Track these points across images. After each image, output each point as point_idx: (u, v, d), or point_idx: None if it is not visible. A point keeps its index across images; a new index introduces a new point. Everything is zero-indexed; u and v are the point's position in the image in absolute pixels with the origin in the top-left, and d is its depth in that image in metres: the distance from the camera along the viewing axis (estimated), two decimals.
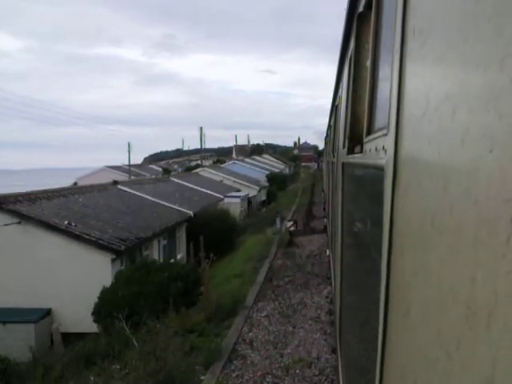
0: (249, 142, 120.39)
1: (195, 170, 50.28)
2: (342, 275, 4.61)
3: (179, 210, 25.37)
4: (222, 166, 64.72)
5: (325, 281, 13.73)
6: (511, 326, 0.56)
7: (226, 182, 45.85)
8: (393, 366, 1.38)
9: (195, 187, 34.77)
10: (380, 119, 2.05)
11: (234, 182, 47.31)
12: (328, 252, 14.17)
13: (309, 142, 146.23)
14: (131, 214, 21.82)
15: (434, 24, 1.01)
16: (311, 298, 12.57)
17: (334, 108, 9.16)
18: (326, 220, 20.03)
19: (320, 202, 34.97)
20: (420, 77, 1.15)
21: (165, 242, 22.08)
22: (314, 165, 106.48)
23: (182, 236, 24.72)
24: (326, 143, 21.38)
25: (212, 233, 23.27)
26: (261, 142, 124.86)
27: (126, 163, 74.83)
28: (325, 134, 23.07)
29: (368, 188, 2.51)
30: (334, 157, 8.23)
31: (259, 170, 66.61)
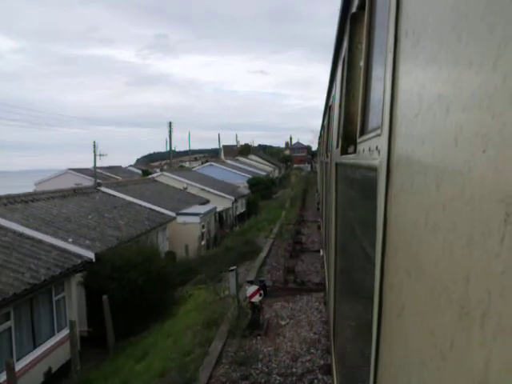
0: (238, 142, 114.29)
1: (153, 175, 38.97)
2: (336, 275, 4.61)
3: (68, 251, 14.63)
4: (194, 169, 53.97)
5: None
6: (505, 326, 0.56)
7: (191, 190, 35.32)
8: (387, 367, 1.38)
9: (134, 201, 24.54)
10: (373, 119, 2.05)
11: (202, 190, 36.24)
12: (322, 252, 14.14)
13: (302, 142, 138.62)
14: None
15: (427, 24, 1.01)
16: None
17: (328, 108, 9.18)
18: (320, 220, 19.61)
19: (315, 221, 25.76)
20: (413, 77, 1.15)
21: (7, 324, 11.56)
22: (306, 166, 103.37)
23: (70, 297, 14.13)
24: (319, 143, 21.31)
25: (126, 288, 14.32)
26: (250, 142, 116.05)
27: (123, 164, 71.37)
28: (318, 134, 22.79)
29: (361, 188, 2.51)
30: (327, 157, 8.25)
31: (241, 173, 55.68)
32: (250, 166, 68.52)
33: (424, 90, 1.01)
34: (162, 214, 24.56)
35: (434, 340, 0.84)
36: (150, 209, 24.41)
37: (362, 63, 2.59)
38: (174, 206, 26.86)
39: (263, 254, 18.85)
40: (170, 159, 73.06)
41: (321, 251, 15.31)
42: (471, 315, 0.66)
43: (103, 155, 55.74)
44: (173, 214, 25.25)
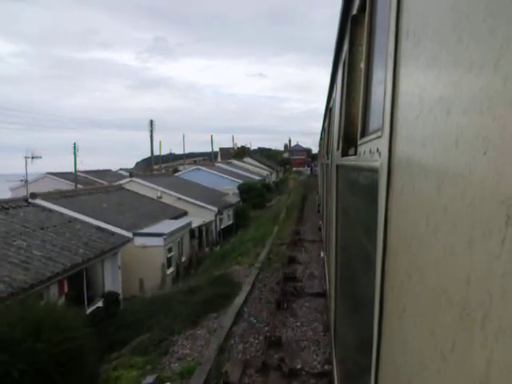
0: (235, 144, 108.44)
1: (121, 181, 31.38)
2: (337, 276, 4.60)
3: None
4: (178, 173, 48.00)
5: None
6: (506, 328, 0.56)
7: (166, 199, 29.21)
8: (388, 367, 1.38)
9: (79, 217, 18.47)
10: (374, 121, 2.05)
11: (179, 199, 29.97)
12: (322, 254, 14.00)
13: (301, 144, 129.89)
14: None
15: (428, 26, 1.01)
16: None
17: (328, 110, 9.19)
18: (321, 223, 19.10)
19: (315, 241, 20.44)
20: (414, 79, 1.15)
21: None
22: (306, 169, 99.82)
23: None
24: (320, 145, 21.18)
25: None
26: (247, 145, 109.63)
27: (119, 167, 66.74)
28: (319, 136, 22.51)
29: (362, 190, 2.51)
30: (328, 159, 8.25)
31: (232, 178, 48.74)
32: (244, 169, 61.68)
33: (425, 92, 1.01)
34: (114, 234, 18.12)
35: (435, 341, 0.84)
36: (98, 228, 18.13)
37: (362, 65, 2.59)
38: (135, 223, 20.74)
39: (240, 299, 12.71)
40: (151, 162, 62.55)
41: (321, 253, 15.04)
42: (472, 317, 0.66)
43: (37, 157, 51.29)
44: (129, 235, 18.93)
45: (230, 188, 43.36)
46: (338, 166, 4.44)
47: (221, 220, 33.22)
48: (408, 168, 1.18)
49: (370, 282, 1.65)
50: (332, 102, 7.34)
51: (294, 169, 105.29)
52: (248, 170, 62.06)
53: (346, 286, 3.79)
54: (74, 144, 53.65)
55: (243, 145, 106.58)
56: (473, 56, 0.71)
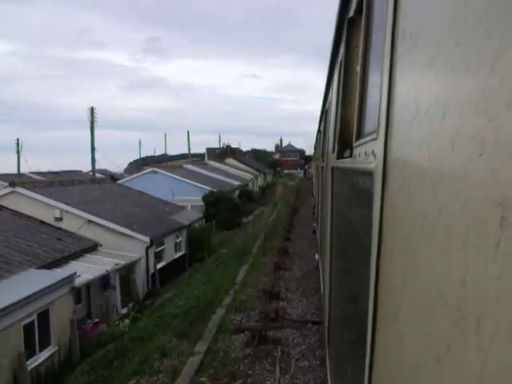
0: (224, 144, 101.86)
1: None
2: (332, 279, 4.61)
3: None
4: (124, 180, 36.33)
5: None
6: (501, 330, 0.56)
7: (70, 221, 19.32)
8: (382, 371, 1.37)
9: None
10: (370, 123, 2.05)
11: (90, 222, 19.72)
12: (317, 256, 14.00)
13: (294, 145, 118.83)
14: None
15: (425, 28, 1.02)
16: None
17: (324, 112, 9.21)
18: (315, 225, 18.98)
19: (314, 321, 11.22)
20: (410, 81, 1.15)
21: None
22: (299, 172, 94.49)
23: None
24: (315, 148, 21.11)
25: None
26: (238, 145, 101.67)
27: (118, 168, 62.10)
28: (315, 138, 22.30)
29: (357, 192, 2.51)
30: (323, 161, 8.26)
31: (200, 185, 36.40)
32: (222, 173, 50.81)
33: (421, 94, 1.01)
34: None
35: (430, 344, 0.84)
36: None
37: (358, 67, 2.60)
38: None
39: None
40: (92, 169, 42.33)
41: (316, 255, 15.04)
42: (467, 319, 0.66)
43: None
44: None
45: (193, 199, 32.77)
46: (333, 169, 4.44)
47: (160, 254, 21.59)
48: (403, 170, 1.18)
49: (365, 284, 1.65)
50: (328, 104, 7.36)
51: (286, 171, 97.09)
52: (227, 174, 51.37)
53: (340, 288, 3.80)
54: (18, 140, 43.77)
55: (234, 146, 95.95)
56: (469, 58, 0.71)
